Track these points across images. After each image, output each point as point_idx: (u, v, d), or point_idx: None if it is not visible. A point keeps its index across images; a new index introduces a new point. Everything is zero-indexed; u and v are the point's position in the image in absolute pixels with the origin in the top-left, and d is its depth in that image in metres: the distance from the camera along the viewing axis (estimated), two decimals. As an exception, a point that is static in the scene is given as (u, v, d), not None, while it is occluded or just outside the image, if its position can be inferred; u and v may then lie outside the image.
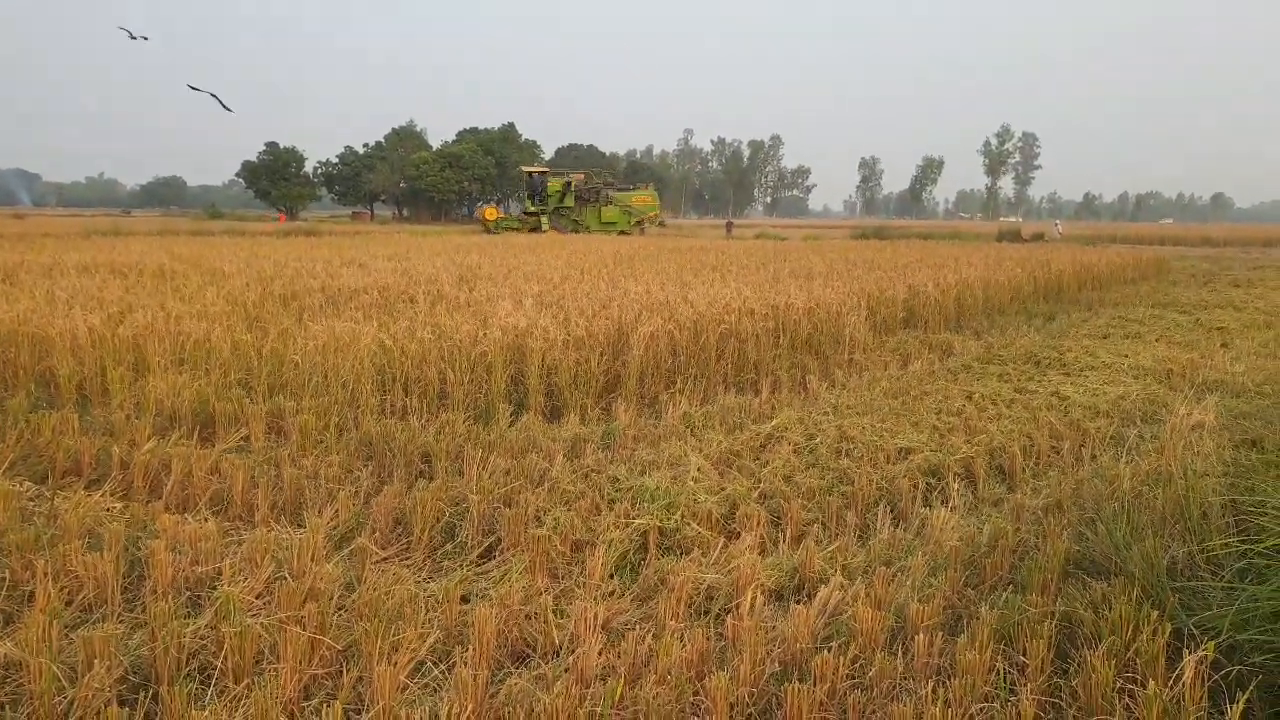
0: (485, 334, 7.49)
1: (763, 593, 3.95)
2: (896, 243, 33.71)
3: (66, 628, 3.48)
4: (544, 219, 46.17)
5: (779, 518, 4.88)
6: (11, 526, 4.38)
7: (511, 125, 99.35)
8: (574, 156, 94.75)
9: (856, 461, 5.73)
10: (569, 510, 4.69)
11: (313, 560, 4.08)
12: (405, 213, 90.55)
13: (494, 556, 4.46)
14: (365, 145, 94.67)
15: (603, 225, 45.98)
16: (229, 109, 26.49)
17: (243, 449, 5.90)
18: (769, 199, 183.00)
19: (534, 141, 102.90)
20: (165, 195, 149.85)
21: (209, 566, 4.06)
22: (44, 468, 5.57)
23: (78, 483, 5.36)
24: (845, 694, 3.18)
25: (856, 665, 3.33)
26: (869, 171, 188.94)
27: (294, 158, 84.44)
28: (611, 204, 47.25)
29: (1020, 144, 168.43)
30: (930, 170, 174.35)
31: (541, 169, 50.97)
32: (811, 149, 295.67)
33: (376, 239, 31.02)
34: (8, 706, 3.04)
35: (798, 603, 3.93)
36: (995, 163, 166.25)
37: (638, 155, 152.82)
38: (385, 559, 4.39)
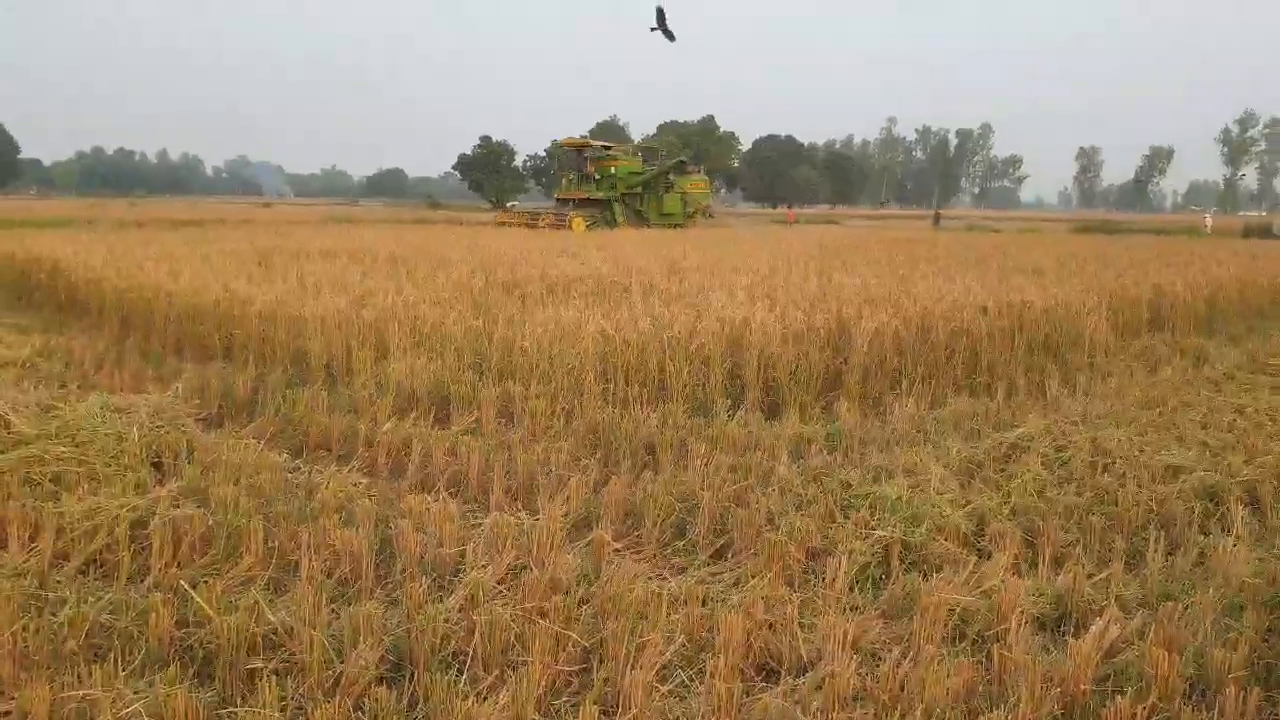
0: (701, 325, 7.36)
1: (1027, 620, 3.57)
2: (1126, 237, 30.92)
3: (330, 600, 3.60)
4: (617, 208, 37.13)
5: (1033, 537, 4.43)
6: (278, 497, 4.66)
7: (711, 118, 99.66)
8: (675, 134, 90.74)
9: (1117, 478, 5.15)
10: (802, 515, 4.46)
11: (552, 549, 4.06)
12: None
13: (727, 557, 4.31)
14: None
15: (661, 217, 37.70)
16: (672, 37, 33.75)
17: (475, 431, 6.04)
18: (977, 189, 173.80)
19: (732, 133, 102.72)
20: (388, 186, 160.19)
21: (452, 549, 4.13)
22: (299, 441, 5.94)
23: (328, 457, 5.67)
24: (1146, 751, 2.78)
25: (1156, 718, 2.91)
26: (1087, 161, 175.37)
27: (505, 151, 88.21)
28: (672, 191, 38.88)
29: (1267, 130, 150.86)
30: (1158, 160, 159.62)
31: (605, 145, 41.00)
32: (1024, 137, 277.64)
33: (597, 229, 31.75)
34: (282, 674, 3.16)
35: (1068, 636, 3.53)
36: (1236, 151, 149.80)
37: (837, 145, 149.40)
38: (619, 551, 4.33)
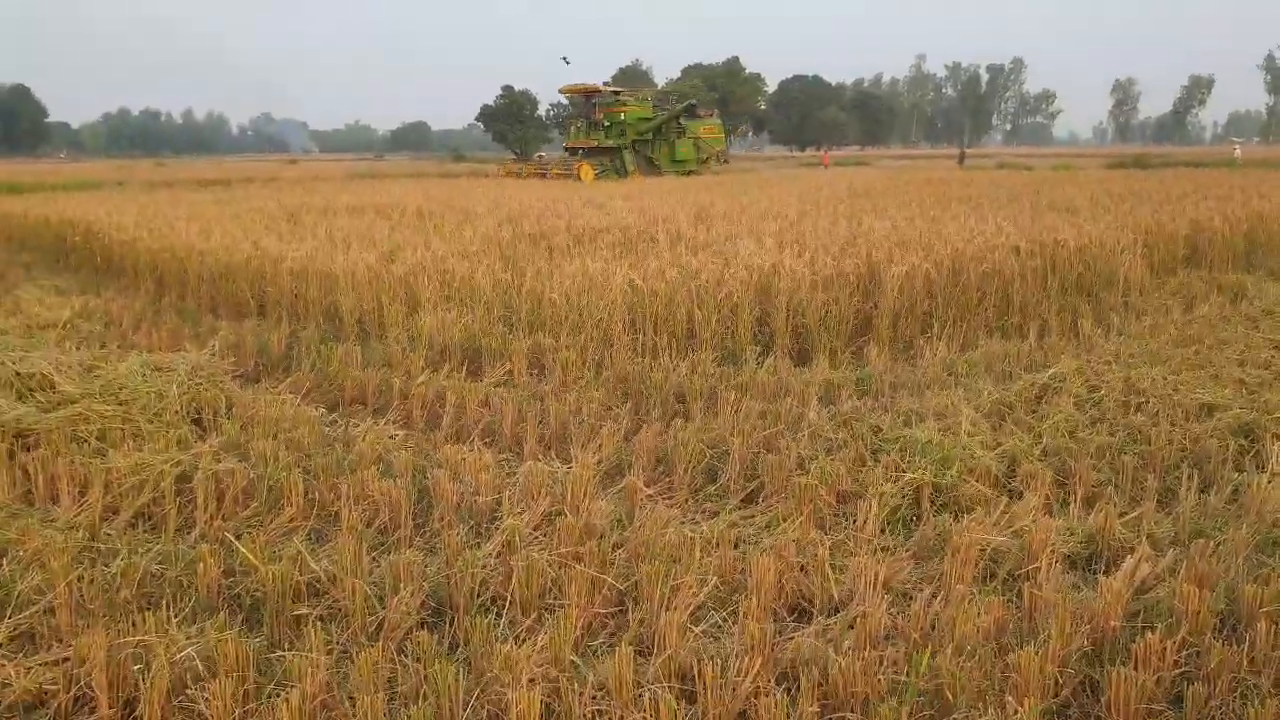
0: (729, 273, 7.34)
1: (1058, 559, 3.59)
2: (1162, 172, 30.15)
3: (371, 549, 3.70)
4: (627, 156, 35.41)
5: (1065, 477, 4.43)
6: (316, 450, 4.75)
7: (736, 59, 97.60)
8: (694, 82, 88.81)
9: (1151, 417, 5.11)
10: (832, 459, 4.48)
11: (585, 496, 4.13)
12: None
13: (757, 502, 4.35)
14: (605, 85, 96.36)
15: (673, 164, 36.34)
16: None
17: (507, 383, 6.13)
18: (1008, 127, 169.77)
19: (758, 74, 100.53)
20: (411, 140, 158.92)
21: (488, 497, 4.21)
22: (335, 395, 6.05)
23: (364, 411, 5.77)
24: (1176, 684, 2.80)
25: (1185, 653, 2.93)
26: (1123, 94, 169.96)
27: (528, 101, 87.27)
28: (684, 136, 37.34)
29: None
30: (1197, 91, 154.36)
31: (614, 89, 39.11)
32: (1057, 71, 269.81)
33: (607, 179, 31.45)
34: (326, 620, 3.26)
35: (1098, 574, 3.55)
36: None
37: (865, 84, 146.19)
38: (650, 497, 4.38)
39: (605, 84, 39.43)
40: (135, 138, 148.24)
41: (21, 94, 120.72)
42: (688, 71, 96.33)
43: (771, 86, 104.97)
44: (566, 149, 38.70)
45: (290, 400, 5.49)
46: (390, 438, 5.02)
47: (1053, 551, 3.60)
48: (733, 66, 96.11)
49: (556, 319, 6.97)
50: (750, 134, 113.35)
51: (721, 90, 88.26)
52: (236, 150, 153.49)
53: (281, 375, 6.54)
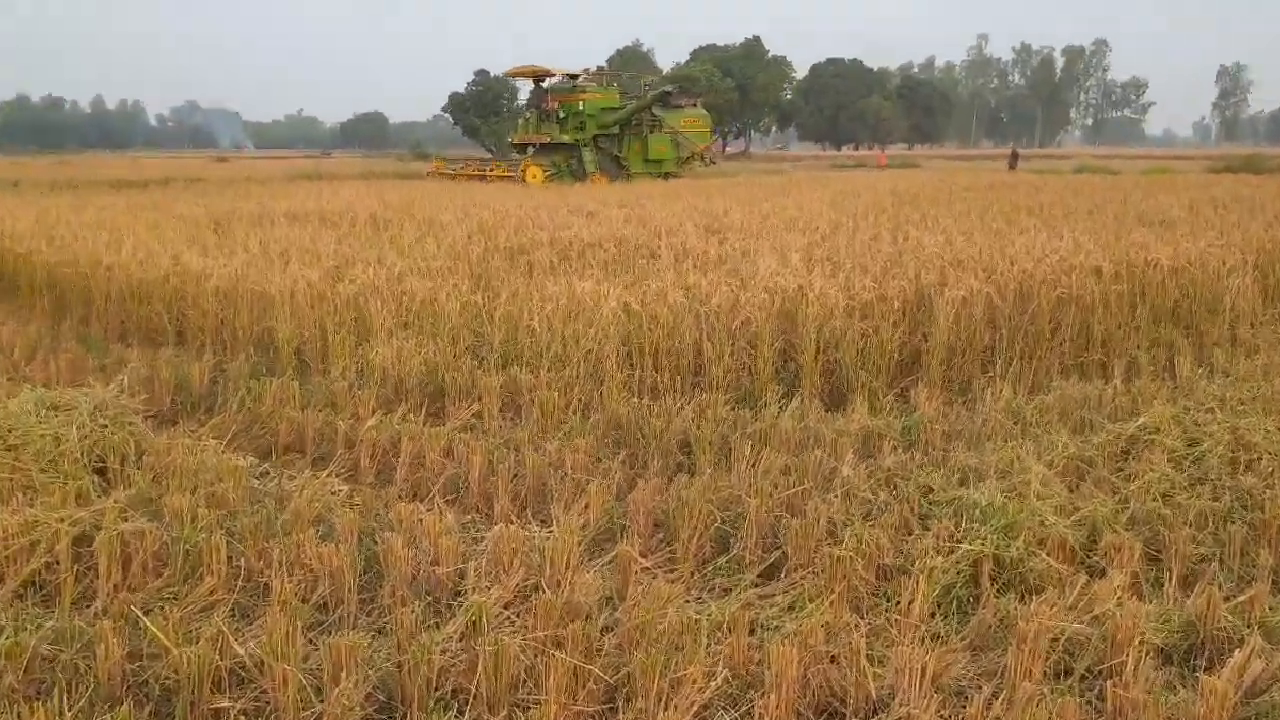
0: (746, 297, 7.41)
1: (1149, 652, 3.58)
2: (1278, 177, 30.36)
3: (307, 628, 3.70)
4: (586, 154, 34.36)
5: (1158, 551, 4.45)
6: (242, 507, 4.75)
7: (757, 40, 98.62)
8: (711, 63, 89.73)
9: (1264, 479, 5.10)
10: (871, 525, 4.47)
11: (568, 567, 4.13)
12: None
13: (778, 577, 4.35)
14: (585, 70, 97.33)
15: (646, 165, 35.26)
16: None
17: (475, 428, 6.16)
18: (1089, 122, 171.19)
19: (783, 58, 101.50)
20: (366, 133, 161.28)
21: (450, 567, 4.21)
22: (267, 441, 6.10)
23: (302, 460, 5.81)
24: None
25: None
26: (1230, 83, 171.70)
27: (506, 88, 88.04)
28: (659, 130, 35.87)
29: None
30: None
31: (571, 74, 37.14)
32: (1150, 56, 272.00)
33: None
34: (251, 715, 3.26)
35: (1199, 670, 3.54)
36: None
37: (915, 69, 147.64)
38: (648, 569, 4.39)
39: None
40: (35, 130, 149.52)
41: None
42: (698, 54, 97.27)
43: (801, 72, 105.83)
44: (513, 145, 38.00)
45: (213, 447, 5.49)
46: (333, 493, 5.03)
47: (1142, 642, 3.58)
48: (753, 49, 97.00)
49: (536, 350, 7.03)
50: (774, 129, 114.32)
51: (739, 76, 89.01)
52: (155, 145, 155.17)
53: (203, 416, 6.58)
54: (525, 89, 40.32)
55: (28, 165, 48.66)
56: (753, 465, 5.22)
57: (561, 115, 35.15)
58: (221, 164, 55.58)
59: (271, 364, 7.67)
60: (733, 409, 6.31)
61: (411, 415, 6.23)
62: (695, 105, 40.26)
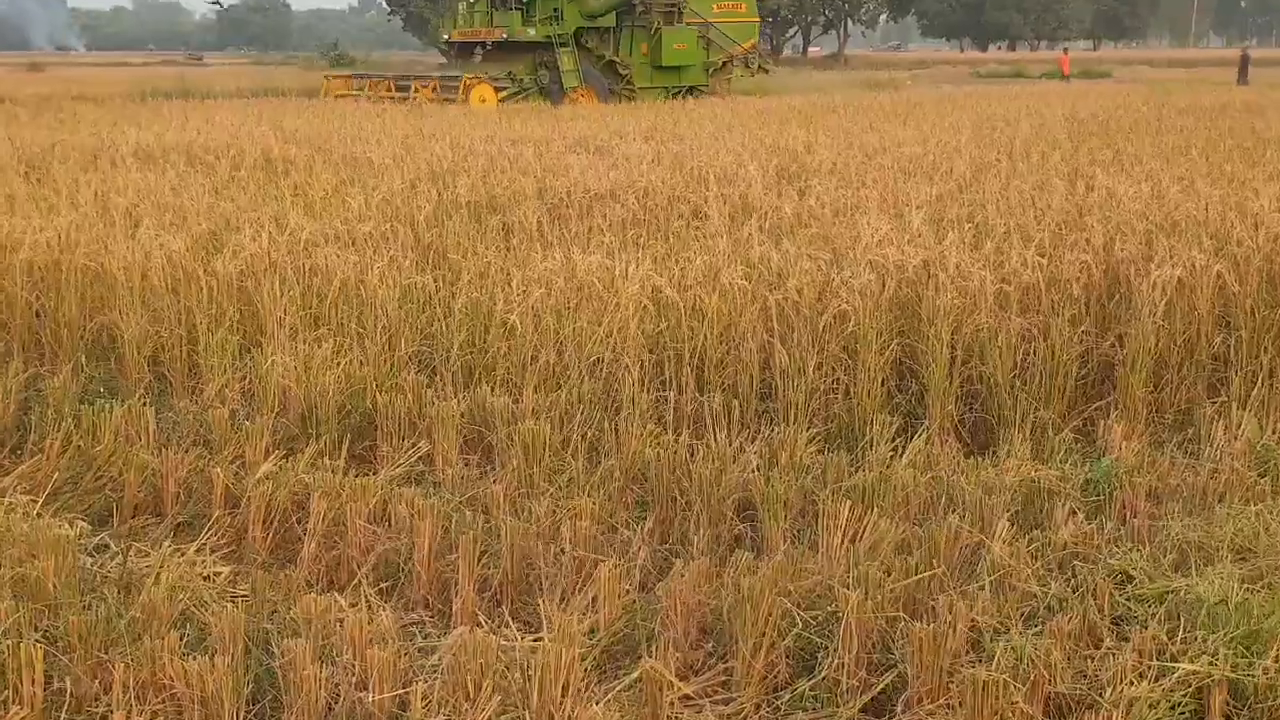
0: (842, 278, 6.12)
1: None
2: None
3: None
4: (565, 59, 26.23)
5: None
6: (68, 598, 3.79)
7: None
8: None
9: None
10: (1037, 634, 3.51)
11: (565, 695, 3.25)
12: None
13: (892, 712, 3.45)
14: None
15: (658, 75, 27.84)
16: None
17: (424, 478, 5.11)
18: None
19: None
20: (256, 28, 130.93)
21: (386, 694, 3.34)
22: (107, 497, 5.08)
23: (159, 527, 4.77)
24: None
25: None
26: None
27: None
28: (678, 21, 28.00)
29: None
30: None
31: None
32: None
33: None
34: None
35: None
36: None
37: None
38: (690, 699, 3.51)
39: None
40: None
41: None
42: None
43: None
44: (447, 44, 30.13)
45: (24, 506, 4.54)
46: (205, 579, 4.18)
47: None
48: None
49: (517, 360, 5.86)
50: (884, 18, 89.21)
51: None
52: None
53: (11, 460, 5.41)
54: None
55: None
56: (852, 540, 4.16)
57: (526, 1, 26.74)
58: (37, 73, 45.53)
59: (113, 380, 6.38)
60: (821, 451, 5.12)
61: (326, 459, 5.09)
62: None
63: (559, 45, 25.77)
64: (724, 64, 29.40)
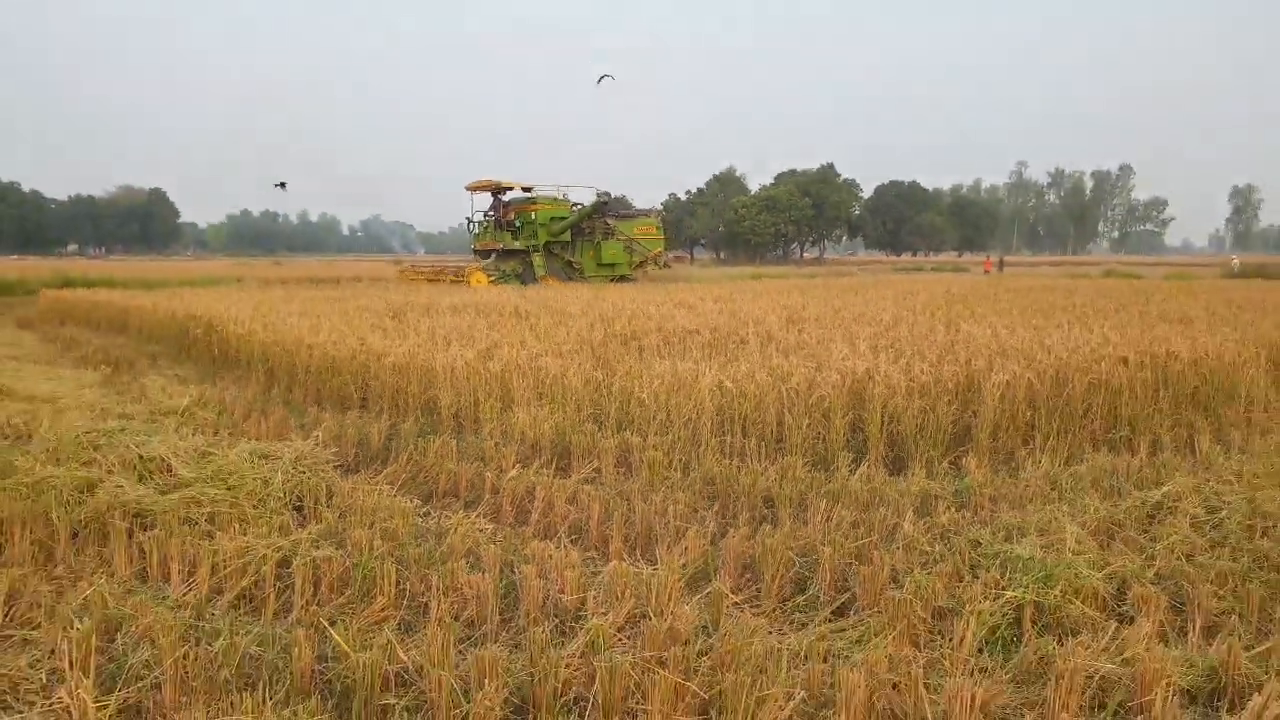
0: (821, 377, 7.30)
1: (1175, 693, 3.38)
2: (1287, 282, 28.91)
3: (458, 641, 3.75)
4: (536, 259, 31.96)
5: (1182, 603, 4.21)
6: (409, 541, 4.85)
7: (830, 165, 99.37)
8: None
9: (1279, 543, 4.82)
10: (928, 573, 4.35)
11: (670, 600, 4.09)
12: (722, 255, 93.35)
13: (848, 615, 4.25)
14: (688, 192, 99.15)
15: (600, 269, 32.99)
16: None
17: (595, 480, 6.16)
18: (1116, 234, 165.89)
19: (853, 180, 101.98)
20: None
21: (574, 595, 4.22)
22: (429, 487, 6.22)
23: (456, 503, 5.88)
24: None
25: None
26: (1242, 202, 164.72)
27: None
28: (612, 237, 33.60)
29: None
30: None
31: (523, 186, 33.94)
32: (1169, 178, 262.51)
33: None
34: (412, 711, 3.31)
35: (1222, 711, 3.34)
36: None
37: (964, 190, 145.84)
38: (737, 604, 4.34)
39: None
40: (255, 237, 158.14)
41: (159, 197, 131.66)
42: (781, 177, 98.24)
43: (867, 191, 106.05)
44: (475, 251, 35.42)
45: (386, 491, 5.63)
46: (480, 531, 5.09)
47: (1169, 684, 3.39)
48: (826, 173, 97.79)
49: (645, 418, 7.00)
50: (844, 238, 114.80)
51: (815, 196, 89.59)
52: (347, 249, 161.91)
53: (380, 466, 6.71)
54: (644, 199, 39.14)
55: (249, 265, 51.43)
56: (826, 519, 5.12)
57: (517, 224, 32.97)
58: (396, 265, 57.35)
59: (435, 425, 7.77)
60: (809, 471, 6.19)
61: (544, 469, 6.28)
62: (649, 214, 37.39)
63: (533, 251, 31.88)
64: (641, 262, 34.61)
